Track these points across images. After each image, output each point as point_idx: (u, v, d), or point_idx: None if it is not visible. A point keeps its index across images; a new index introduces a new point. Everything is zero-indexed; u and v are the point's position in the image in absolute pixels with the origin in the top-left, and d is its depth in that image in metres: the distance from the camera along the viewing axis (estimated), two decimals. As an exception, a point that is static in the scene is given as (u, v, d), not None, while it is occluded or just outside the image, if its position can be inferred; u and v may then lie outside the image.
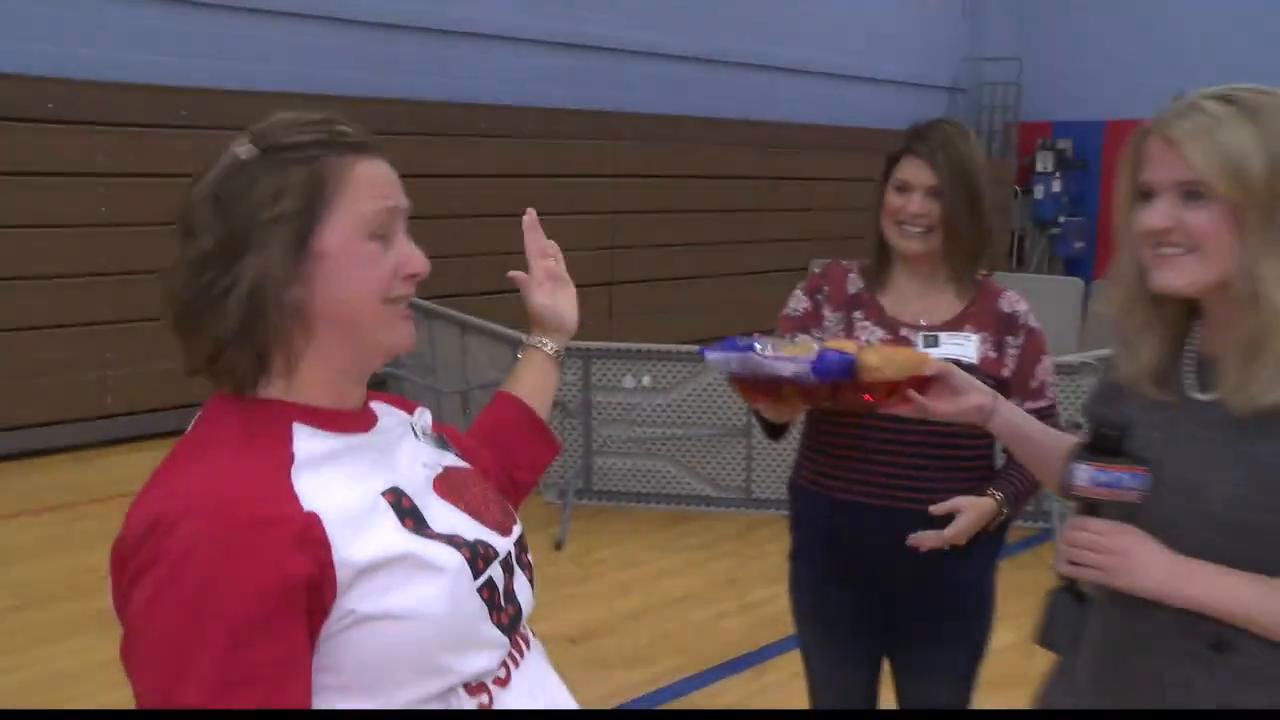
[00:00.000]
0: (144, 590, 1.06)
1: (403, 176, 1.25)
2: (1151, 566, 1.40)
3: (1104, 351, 5.86)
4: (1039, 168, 14.05)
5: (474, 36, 9.13)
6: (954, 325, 2.30)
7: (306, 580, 1.07)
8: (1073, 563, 1.44)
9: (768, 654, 4.13)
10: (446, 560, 1.17)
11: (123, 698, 3.65)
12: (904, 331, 2.30)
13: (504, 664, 1.23)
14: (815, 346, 1.71)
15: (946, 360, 1.96)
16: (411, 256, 1.23)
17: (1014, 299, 2.37)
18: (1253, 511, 1.37)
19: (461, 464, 1.37)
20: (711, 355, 1.77)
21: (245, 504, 1.08)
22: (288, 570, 1.06)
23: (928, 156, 2.24)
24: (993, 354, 2.28)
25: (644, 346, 5.88)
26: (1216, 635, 1.40)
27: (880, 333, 2.30)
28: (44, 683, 3.87)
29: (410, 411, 1.37)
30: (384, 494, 1.18)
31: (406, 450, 1.28)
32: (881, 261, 2.36)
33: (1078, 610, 1.46)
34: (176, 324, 1.18)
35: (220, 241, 1.14)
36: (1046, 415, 2.27)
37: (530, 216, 1.65)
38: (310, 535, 1.08)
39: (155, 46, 7.47)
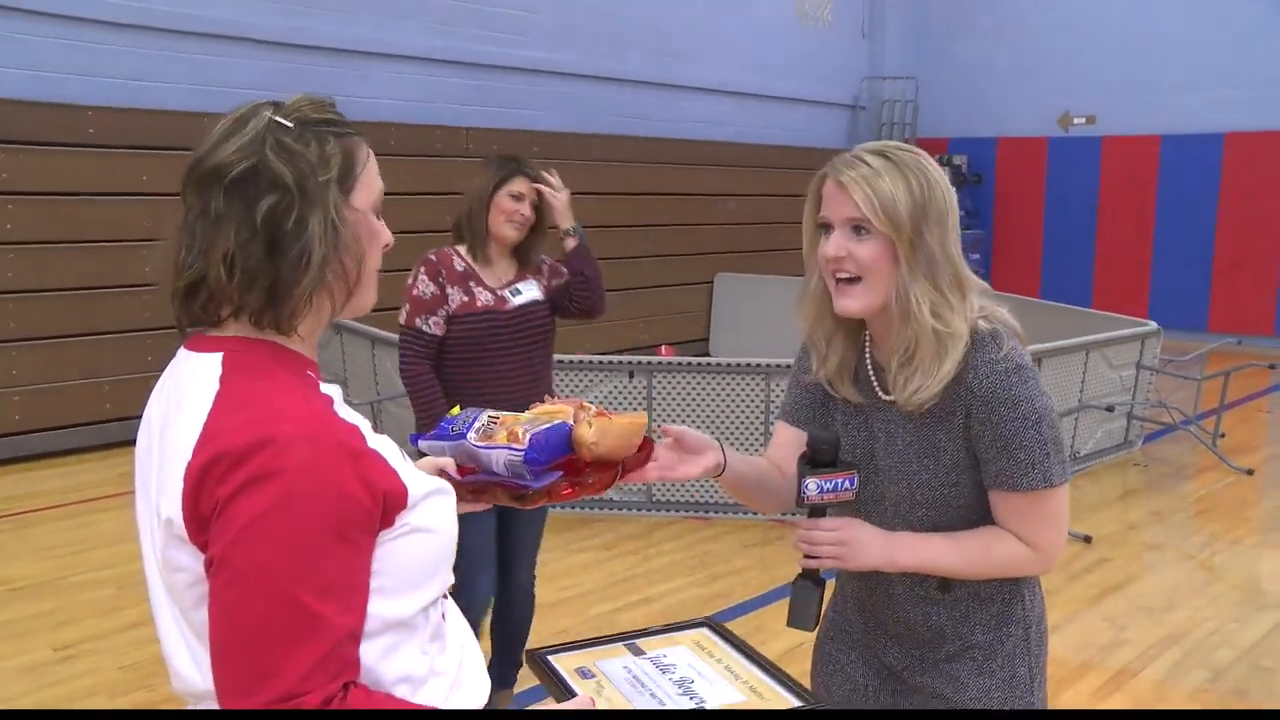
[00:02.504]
0: (264, 497, 1.18)
1: None
2: (871, 548, 1.74)
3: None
4: (936, 183, 14.54)
5: (384, 57, 9.29)
6: (520, 278, 3.51)
7: (387, 501, 1.26)
8: (811, 556, 1.74)
9: (663, 643, 4.37)
10: (449, 489, 1.40)
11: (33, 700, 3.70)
12: (501, 291, 3.45)
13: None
14: (523, 429, 1.60)
15: (530, 301, 3.44)
16: (386, 231, 1.41)
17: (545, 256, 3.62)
18: (940, 488, 1.75)
19: None
20: (424, 443, 1.68)
21: (340, 434, 1.25)
22: (376, 493, 1.25)
23: (535, 177, 3.49)
24: (544, 289, 3.53)
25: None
26: (939, 579, 1.80)
27: (488, 296, 3.41)
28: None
29: None
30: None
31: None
32: (484, 244, 3.46)
33: (819, 593, 1.77)
34: (233, 275, 1.27)
35: (291, 195, 1.27)
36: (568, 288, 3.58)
37: None
38: (385, 466, 1.27)
39: (60, 66, 7.50)
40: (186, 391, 1.30)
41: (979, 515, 1.76)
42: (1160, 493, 6.83)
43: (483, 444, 1.58)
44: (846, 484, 1.72)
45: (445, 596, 1.43)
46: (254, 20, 8.46)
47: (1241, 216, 12.75)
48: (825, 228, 1.74)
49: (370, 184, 1.37)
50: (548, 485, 1.55)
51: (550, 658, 1.70)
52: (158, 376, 1.25)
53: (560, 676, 1.65)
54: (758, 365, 5.96)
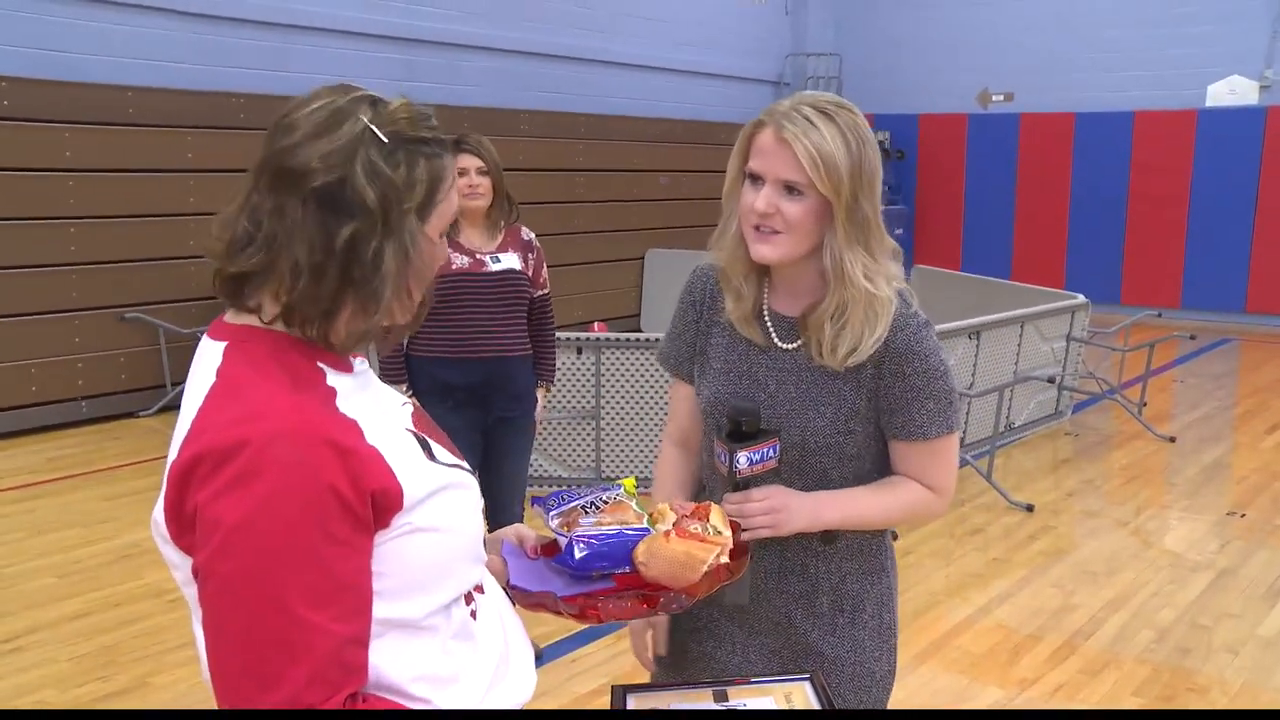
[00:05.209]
0: (243, 502, 1.13)
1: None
2: (800, 512, 1.75)
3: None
4: (859, 159, 14.66)
5: (311, 30, 9.08)
6: (502, 249, 3.85)
7: (377, 501, 1.20)
8: (746, 530, 1.70)
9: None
10: (469, 482, 1.35)
11: None
12: (479, 256, 3.78)
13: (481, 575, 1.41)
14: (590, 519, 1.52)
15: (507, 270, 3.78)
16: (445, 253, 1.36)
17: (527, 230, 3.97)
18: (835, 435, 1.77)
19: None
20: (536, 505, 1.65)
21: (326, 429, 1.19)
22: (365, 491, 1.18)
23: (475, 150, 3.72)
24: (523, 264, 3.87)
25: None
26: (823, 532, 1.81)
27: (464, 259, 3.73)
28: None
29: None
30: (407, 430, 1.31)
31: (384, 390, 1.40)
32: (455, 220, 3.73)
33: (749, 565, 1.68)
34: (296, 286, 1.22)
35: (374, 221, 1.22)
36: (545, 301, 3.96)
37: None
38: (380, 465, 1.21)
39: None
40: (192, 383, 1.27)
41: (868, 463, 1.81)
42: (1092, 461, 7.04)
43: (559, 529, 1.51)
44: (771, 452, 1.71)
45: (479, 592, 1.38)
46: (180, -9, 8.21)
47: (1150, 192, 13.14)
48: (754, 177, 1.73)
49: (447, 210, 1.30)
50: (592, 601, 1.44)
51: (629, 695, 1.60)
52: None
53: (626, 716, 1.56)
54: (706, 341, 5.97)
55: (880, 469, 1.84)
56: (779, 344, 1.80)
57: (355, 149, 1.22)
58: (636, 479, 1.67)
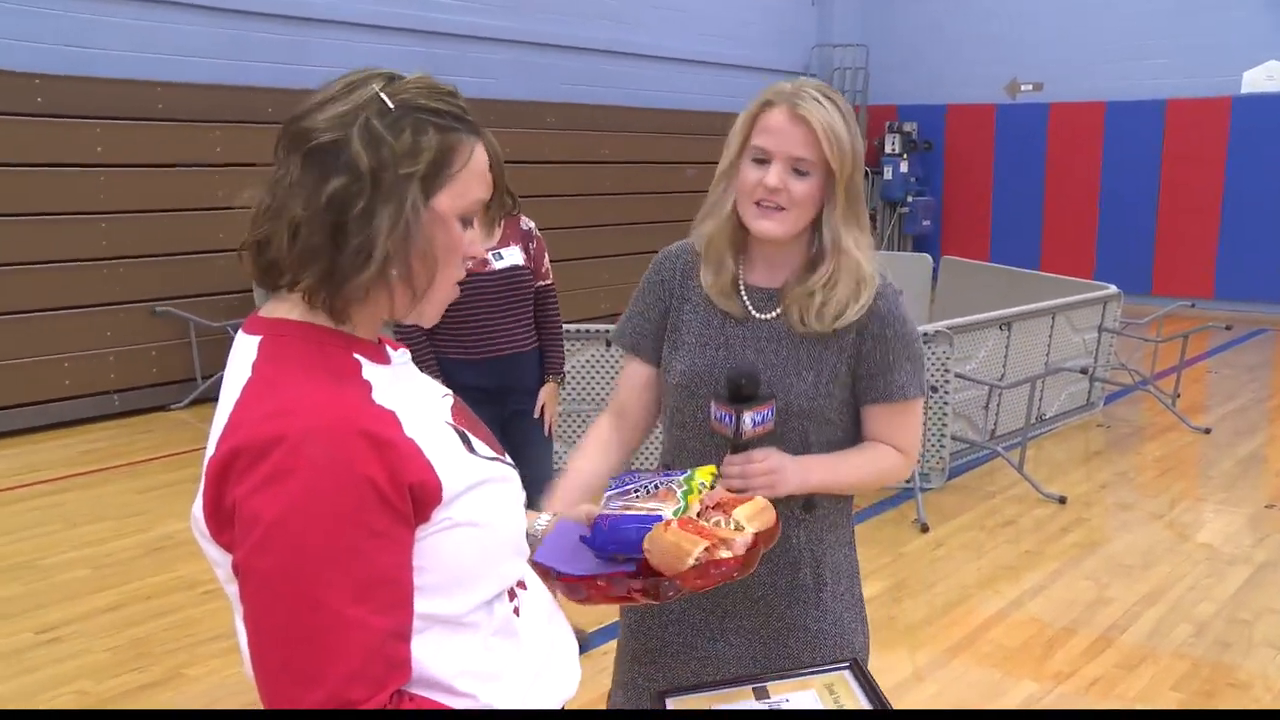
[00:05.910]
0: (280, 498, 1.12)
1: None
2: (792, 473, 1.79)
3: (953, 321, 6.28)
4: (887, 150, 14.61)
5: (331, 24, 9.09)
6: (503, 243, 3.78)
7: (416, 495, 1.18)
8: (747, 491, 1.70)
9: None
10: (510, 475, 1.34)
11: None
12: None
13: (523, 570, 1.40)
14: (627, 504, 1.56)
15: (511, 266, 3.74)
16: (475, 242, 1.32)
17: (527, 220, 3.89)
18: (817, 399, 1.84)
19: None
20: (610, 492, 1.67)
21: (362, 422, 1.17)
22: (402, 484, 1.17)
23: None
24: (525, 257, 3.81)
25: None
26: (805, 500, 1.88)
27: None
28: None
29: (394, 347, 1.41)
30: (446, 423, 1.30)
31: (423, 381, 1.38)
32: None
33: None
34: (294, 247, 1.21)
35: (363, 182, 1.20)
36: (549, 291, 3.89)
37: None
38: (418, 458, 1.19)
39: (6, 31, 7.24)
40: (228, 378, 1.25)
41: (840, 430, 1.89)
42: (1125, 453, 6.97)
43: (607, 510, 1.56)
44: (770, 414, 1.77)
45: (522, 588, 1.36)
46: (203, -14, 8.23)
47: (1182, 182, 12.99)
48: (757, 156, 1.80)
49: (464, 189, 1.27)
50: (592, 583, 1.48)
51: (669, 700, 1.61)
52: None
53: None
54: (734, 333, 5.94)
55: (850, 436, 1.91)
56: (756, 315, 1.87)
57: (358, 113, 1.22)
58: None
